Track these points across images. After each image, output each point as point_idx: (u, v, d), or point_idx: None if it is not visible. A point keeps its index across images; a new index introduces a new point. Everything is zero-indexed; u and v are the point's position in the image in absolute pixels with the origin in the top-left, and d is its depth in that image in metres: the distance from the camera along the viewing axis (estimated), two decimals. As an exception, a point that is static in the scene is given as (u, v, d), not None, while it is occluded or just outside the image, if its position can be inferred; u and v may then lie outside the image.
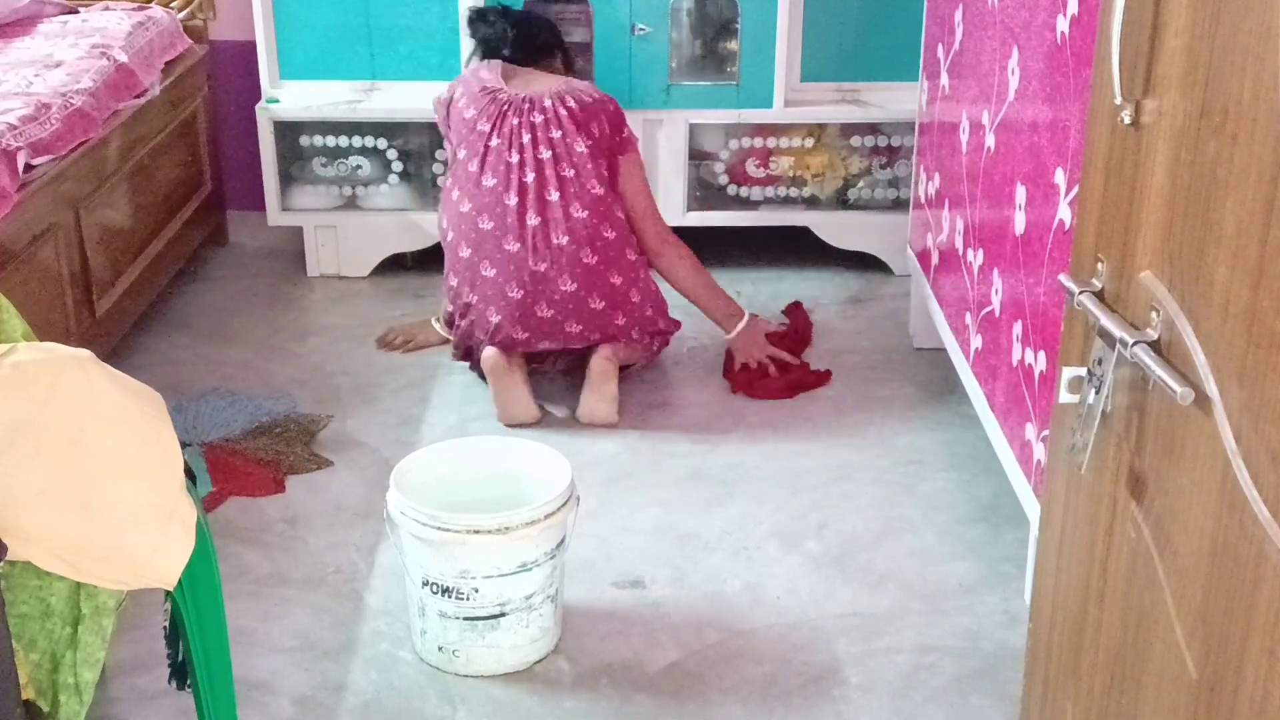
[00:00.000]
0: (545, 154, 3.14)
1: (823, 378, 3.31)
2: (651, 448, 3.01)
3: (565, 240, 3.10)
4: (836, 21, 3.79)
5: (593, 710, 2.21)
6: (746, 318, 3.35)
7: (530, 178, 3.12)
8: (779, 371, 3.29)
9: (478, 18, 3.43)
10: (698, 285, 3.35)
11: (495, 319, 3.11)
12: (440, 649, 2.28)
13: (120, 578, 1.57)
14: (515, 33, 3.36)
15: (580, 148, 3.15)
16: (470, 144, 3.19)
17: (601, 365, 3.11)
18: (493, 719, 2.19)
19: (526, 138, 3.14)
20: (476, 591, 2.23)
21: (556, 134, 3.14)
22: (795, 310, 3.64)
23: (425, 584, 2.25)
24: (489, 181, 3.14)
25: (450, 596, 2.24)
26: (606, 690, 2.26)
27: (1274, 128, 1.02)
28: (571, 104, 3.17)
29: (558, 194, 3.12)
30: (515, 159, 3.13)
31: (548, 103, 3.16)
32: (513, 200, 3.11)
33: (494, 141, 3.15)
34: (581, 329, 3.13)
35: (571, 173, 3.13)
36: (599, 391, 3.10)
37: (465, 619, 2.25)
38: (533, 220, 3.10)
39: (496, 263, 3.11)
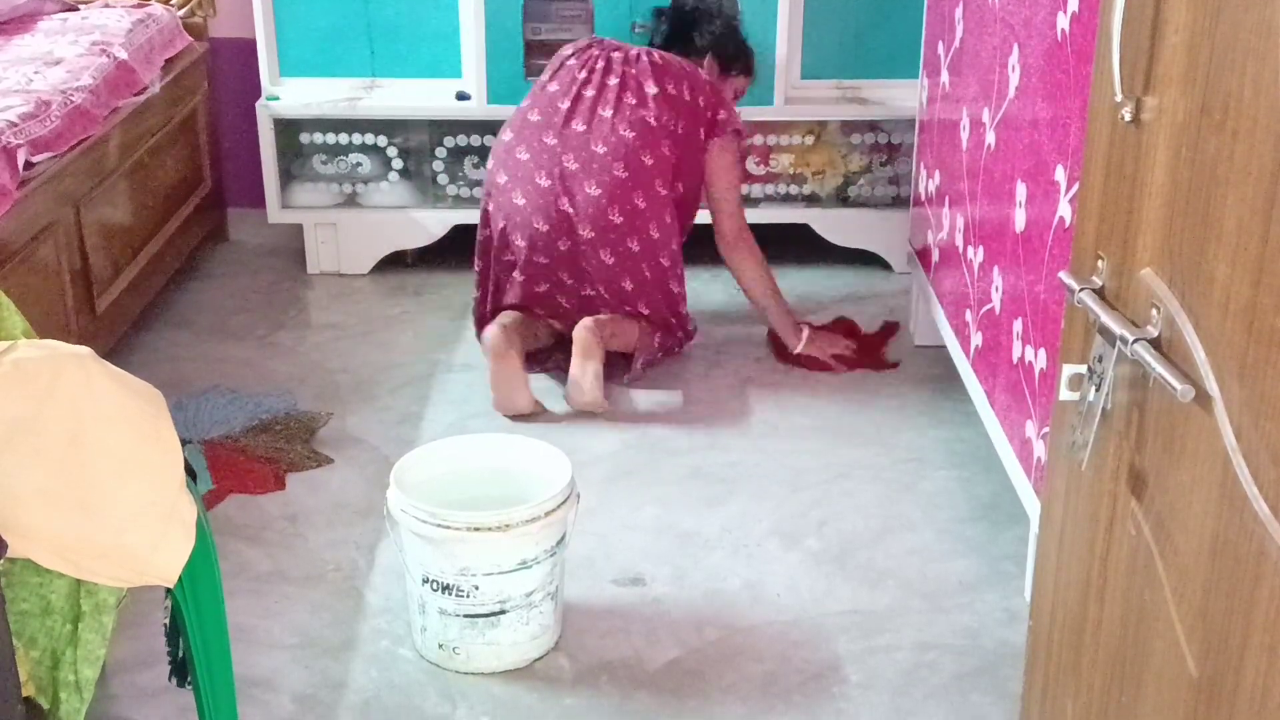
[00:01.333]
0: (612, 81, 3.18)
1: (887, 365, 3.38)
2: (651, 445, 3.01)
3: (595, 190, 3.09)
4: (837, 19, 3.79)
5: (593, 707, 2.21)
6: (807, 332, 3.34)
7: (590, 93, 3.16)
8: (855, 352, 3.39)
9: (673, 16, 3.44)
10: (766, 291, 3.33)
11: (521, 244, 3.16)
12: (440, 646, 2.28)
13: (121, 575, 1.57)
14: (671, 22, 3.39)
15: (652, 89, 3.15)
16: (537, 100, 3.26)
17: (583, 336, 3.08)
18: (493, 716, 2.19)
19: (600, 65, 3.20)
20: (477, 589, 2.23)
21: (628, 71, 3.18)
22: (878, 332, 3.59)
23: (425, 581, 2.25)
24: (534, 117, 3.20)
25: (450, 594, 2.24)
26: (606, 688, 2.26)
27: (1274, 125, 1.02)
28: (658, 59, 3.21)
29: (611, 111, 3.13)
30: (580, 78, 3.19)
31: (634, 52, 3.22)
32: (559, 117, 3.16)
33: (553, 87, 3.23)
34: (590, 286, 3.14)
35: (625, 111, 3.13)
36: (581, 368, 3.06)
37: (465, 616, 2.25)
38: (570, 164, 3.12)
39: (526, 193, 3.16)
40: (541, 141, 3.16)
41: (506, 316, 3.18)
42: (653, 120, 3.13)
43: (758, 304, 3.36)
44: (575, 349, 3.08)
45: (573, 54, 3.29)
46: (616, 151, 3.11)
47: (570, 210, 3.12)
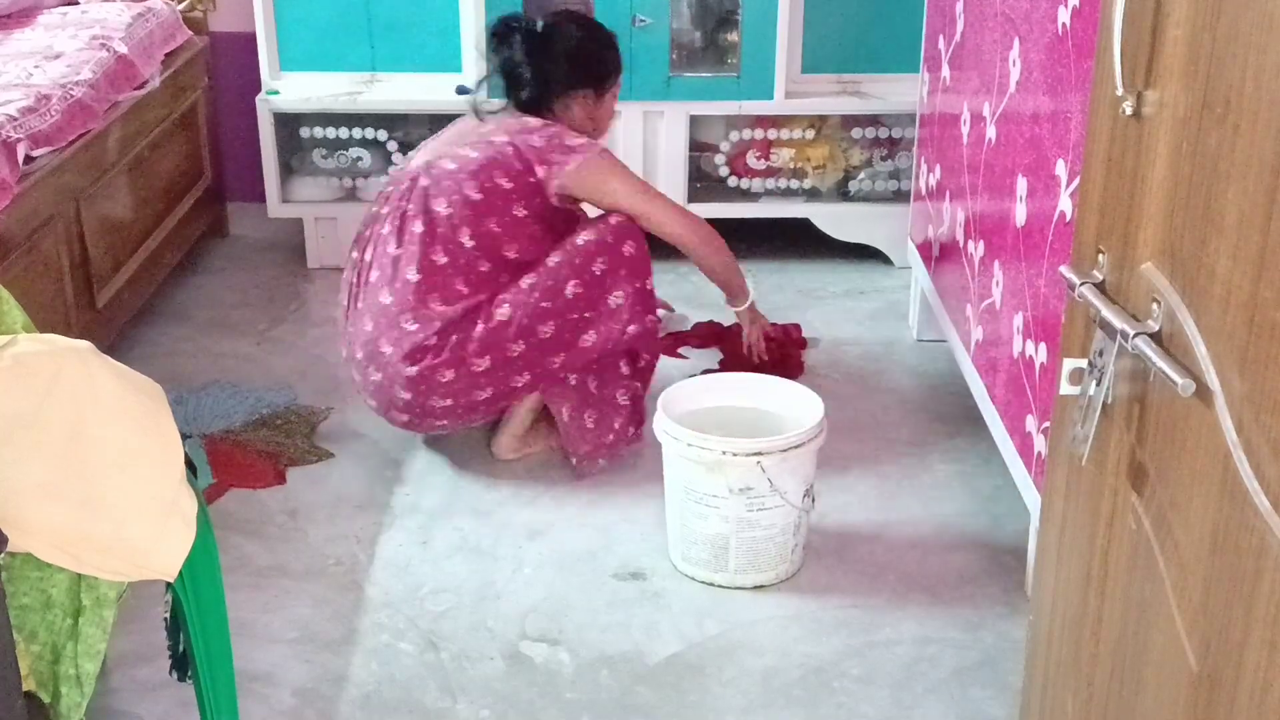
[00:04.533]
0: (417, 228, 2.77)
1: (798, 369, 3.28)
2: (651, 439, 3.00)
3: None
4: (837, 13, 3.78)
5: (593, 701, 2.21)
6: (751, 299, 3.10)
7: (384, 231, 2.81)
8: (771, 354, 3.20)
9: (501, 31, 2.93)
10: (716, 260, 2.98)
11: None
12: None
13: (121, 569, 1.57)
14: (533, 65, 2.88)
15: (474, 194, 2.77)
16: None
17: (514, 445, 2.91)
18: (493, 710, 2.19)
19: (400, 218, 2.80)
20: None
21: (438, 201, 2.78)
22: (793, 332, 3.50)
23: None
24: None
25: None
26: (606, 681, 2.26)
27: (1276, 119, 1.02)
28: (438, 178, 2.79)
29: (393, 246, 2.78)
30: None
31: (447, 165, 2.81)
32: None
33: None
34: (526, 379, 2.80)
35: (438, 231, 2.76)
36: (522, 438, 2.92)
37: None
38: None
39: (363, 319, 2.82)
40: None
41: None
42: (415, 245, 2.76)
43: (703, 269, 3.03)
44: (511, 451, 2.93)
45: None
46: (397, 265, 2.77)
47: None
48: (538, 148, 2.82)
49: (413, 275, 2.75)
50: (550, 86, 2.91)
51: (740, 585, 2.49)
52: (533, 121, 2.87)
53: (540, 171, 2.80)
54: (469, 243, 2.77)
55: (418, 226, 2.78)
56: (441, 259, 2.76)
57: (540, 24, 2.93)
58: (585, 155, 2.83)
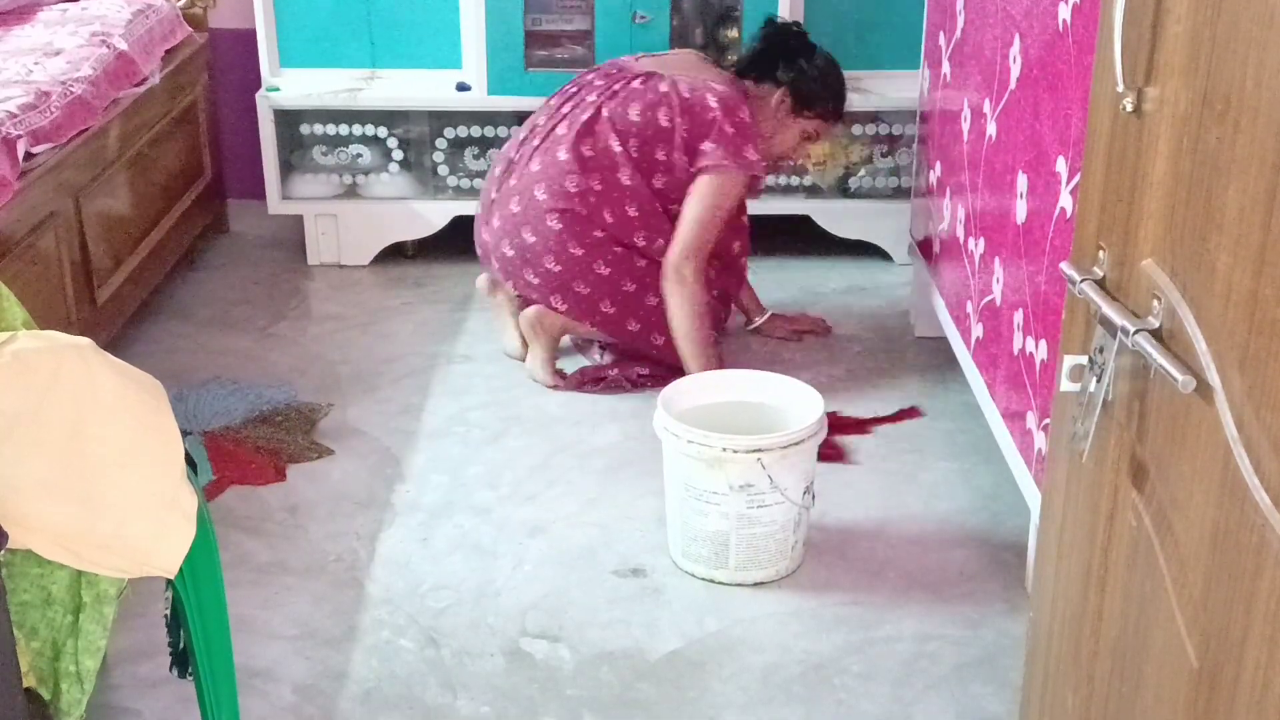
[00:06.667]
0: (591, 98, 3.19)
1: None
2: (651, 437, 2.99)
3: (541, 192, 3.14)
4: (837, 9, 3.78)
5: (593, 698, 2.21)
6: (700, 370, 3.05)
7: (566, 110, 3.20)
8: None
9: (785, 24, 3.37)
10: (682, 330, 3.10)
11: (484, 236, 3.29)
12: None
13: (121, 566, 1.57)
14: (762, 46, 3.29)
15: (634, 115, 3.14)
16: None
17: (527, 327, 3.23)
18: (493, 707, 2.19)
19: (593, 95, 3.21)
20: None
21: (619, 98, 3.17)
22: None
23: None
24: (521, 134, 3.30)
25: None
26: (607, 678, 2.26)
27: (1276, 115, 1.01)
28: (646, 85, 3.18)
29: (565, 129, 3.16)
30: (567, 103, 3.23)
31: (631, 74, 3.20)
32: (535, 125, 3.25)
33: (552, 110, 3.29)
34: (538, 282, 3.17)
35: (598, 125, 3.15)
36: (532, 351, 3.24)
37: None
38: (530, 146, 3.20)
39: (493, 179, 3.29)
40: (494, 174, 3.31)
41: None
42: (586, 149, 3.13)
43: (675, 339, 3.13)
44: (524, 333, 3.25)
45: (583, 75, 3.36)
46: (552, 189, 3.14)
47: (516, 210, 3.19)
48: (728, 134, 3.11)
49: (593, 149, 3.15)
50: (783, 66, 3.23)
51: (740, 582, 2.49)
52: (743, 110, 3.14)
53: (706, 146, 3.12)
54: (616, 148, 3.14)
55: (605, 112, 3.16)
56: (616, 146, 3.13)
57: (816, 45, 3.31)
58: (737, 169, 3.12)
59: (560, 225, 3.11)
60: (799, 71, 3.25)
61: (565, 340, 3.33)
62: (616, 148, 3.12)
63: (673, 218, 3.14)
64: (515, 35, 3.69)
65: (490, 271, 3.33)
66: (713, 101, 3.13)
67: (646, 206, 3.14)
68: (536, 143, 3.19)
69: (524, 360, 3.27)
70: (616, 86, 3.18)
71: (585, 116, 3.14)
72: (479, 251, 3.35)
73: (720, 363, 3.13)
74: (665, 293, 3.12)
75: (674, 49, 3.45)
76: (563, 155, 3.12)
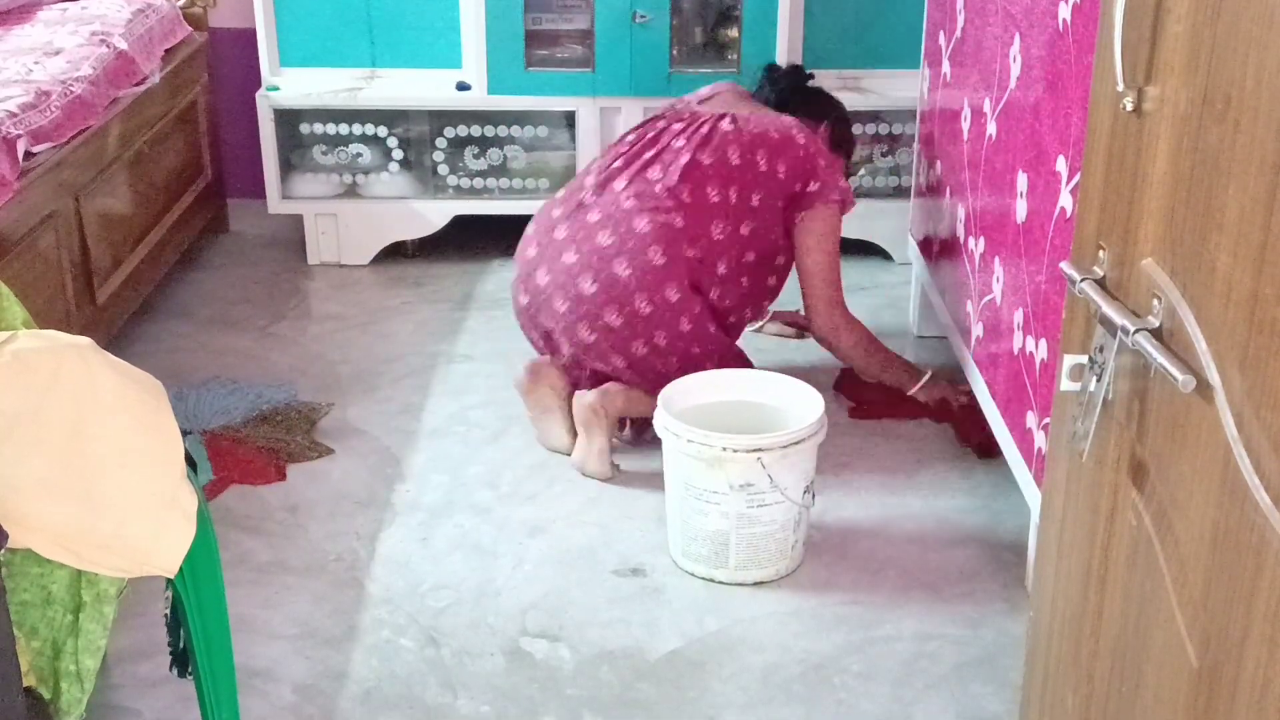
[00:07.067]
0: (658, 149, 2.96)
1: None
2: (651, 435, 3.00)
3: (607, 239, 2.86)
4: (838, 8, 3.78)
5: (593, 697, 2.21)
6: (926, 377, 3.05)
7: (625, 163, 2.97)
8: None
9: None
10: (871, 366, 3.06)
11: (523, 299, 2.96)
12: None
13: (121, 565, 1.57)
14: (791, 79, 3.22)
15: (707, 159, 2.90)
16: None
17: (584, 413, 2.83)
18: (493, 706, 2.19)
19: (656, 136, 3.00)
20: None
21: (688, 142, 2.94)
22: None
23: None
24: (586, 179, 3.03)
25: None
26: (607, 678, 2.26)
27: (1276, 115, 1.01)
28: (736, 126, 2.96)
29: (626, 184, 2.91)
30: (629, 147, 3.00)
31: (707, 116, 2.99)
32: (591, 179, 2.98)
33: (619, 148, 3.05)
34: (595, 339, 2.84)
35: (673, 179, 2.89)
36: (585, 447, 2.84)
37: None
38: (590, 199, 2.93)
39: (540, 243, 2.96)
40: (552, 236, 2.96)
41: (537, 360, 2.98)
42: (679, 210, 2.87)
43: (865, 378, 3.10)
44: (578, 421, 2.85)
45: (648, 120, 3.13)
46: (623, 241, 2.85)
47: (566, 308, 2.87)
48: (823, 169, 2.98)
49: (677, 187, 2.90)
50: (820, 102, 3.21)
51: (740, 581, 2.49)
52: (821, 144, 3.04)
53: (813, 187, 2.97)
54: (715, 197, 2.91)
55: (704, 157, 2.93)
56: (715, 195, 2.91)
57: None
58: (840, 204, 3.01)
59: (664, 261, 2.82)
60: (835, 106, 3.24)
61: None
62: (715, 197, 2.90)
63: (748, 269, 2.94)
64: (515, 35, 3.69)
65: (533, 338, 2.99)
66: (801, 139, 2.97)
67: (732, 265, 2.92)
68: (622, 184, 2.92)
69: (570, 454, 2.90)
70: (705, 129, 2.96)
71: (684, 161, 2.91)
72: (519, 320, 3.01)
73: (904, 363, 3.09)
74: (834, 350, 3.07)
75: (713, 85, 3.21)
76: (659, 189, 2.88)
